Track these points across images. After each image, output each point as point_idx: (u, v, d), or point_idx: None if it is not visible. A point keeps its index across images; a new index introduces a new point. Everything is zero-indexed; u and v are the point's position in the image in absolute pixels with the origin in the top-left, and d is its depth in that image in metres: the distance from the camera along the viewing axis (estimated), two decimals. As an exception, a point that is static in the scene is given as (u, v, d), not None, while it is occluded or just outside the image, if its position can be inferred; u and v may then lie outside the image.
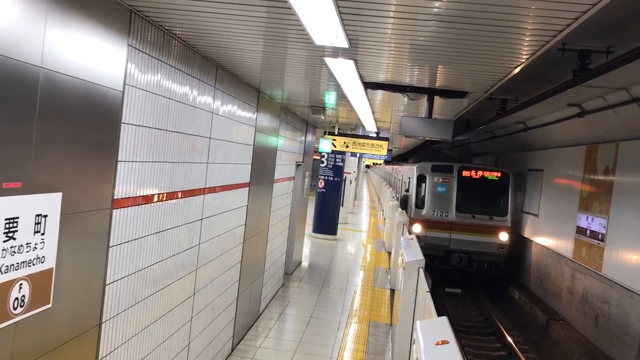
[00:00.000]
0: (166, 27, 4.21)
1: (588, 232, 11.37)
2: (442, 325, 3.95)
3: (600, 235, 10.78)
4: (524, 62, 4.35)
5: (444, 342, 3.57)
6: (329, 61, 4.53)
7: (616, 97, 9.22)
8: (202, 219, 5.49)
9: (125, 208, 3.88)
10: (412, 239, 8.18)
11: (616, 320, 10.00)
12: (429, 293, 5.35)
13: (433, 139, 6.06)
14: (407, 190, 17.51)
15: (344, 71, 4.88)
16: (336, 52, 4.27)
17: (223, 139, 5.92)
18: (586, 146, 11.97)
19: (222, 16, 3.71)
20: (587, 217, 11.50)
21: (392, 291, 10.97)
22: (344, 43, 3.77)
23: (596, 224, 11.02)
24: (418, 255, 6.78)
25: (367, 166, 68.38)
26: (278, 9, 3.33)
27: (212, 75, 5.42)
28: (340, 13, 3.08)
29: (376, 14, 3.22)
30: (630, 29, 5.73)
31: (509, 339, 12.11)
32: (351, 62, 4.45)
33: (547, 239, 14.26)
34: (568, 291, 12.49)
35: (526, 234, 16.06)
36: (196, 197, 5.26)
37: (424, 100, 6.50)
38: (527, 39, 3.68)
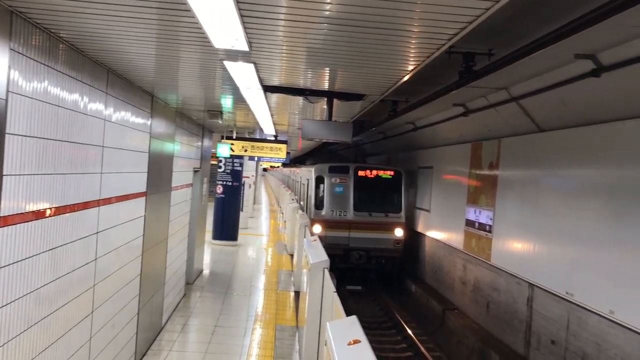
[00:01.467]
0: (52, 30, 3.95)
1: (476, 224, 12.07)
2: (352, 325, 4.01)
3: (487, 227, 11.47)
4: (417, 66, 4.52)
5: (356, 342, 3.62)
6: (228, 64, 4.46)
7: (497, 97, 9.86)
8: (97, 232, 5.21)
9: (13, 225, 3.59)
10: (315, 240, 8.26)
11: (505, 306, 10.68)
12: (336, 293, 5.41)
13: (333, 141, 6.16)
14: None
15: (244, 75, 4.82)
16: (236, 55, 4.21)
17: (117, 147, 5.65)
18: (471, 143, 12.70)
19: (110, 18, 3.53)
20: (475, 210, 12.20)
21: (297, 293, 11.01)
22: (244, 46, 3.72)
23: (483, 217, 11.71)
24: (322, 256, 6.85)
25: (265, 169, 68.24)
26: (174, 11, 3.21)
27: (104, 81, 5.16)
28: (241, 15, 3.03)
29: (276, 16, 3.21)
30: (510, 33, 6.15)
31: (409, 331, 12.58)
32: (251, 65, 4.41)
33: (439, 232, 14.97)
34: (461, 281, 13.19)
35: (420, 228, 16.76)
36: (91, 210, 4.98)
37: (321, 103, 6.58)
38: (418, 44, 3.84)
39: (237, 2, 2.78)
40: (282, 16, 3.21)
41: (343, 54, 4.10)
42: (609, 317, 7.31)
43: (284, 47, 3.97)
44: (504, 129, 10.81)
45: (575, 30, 4.66)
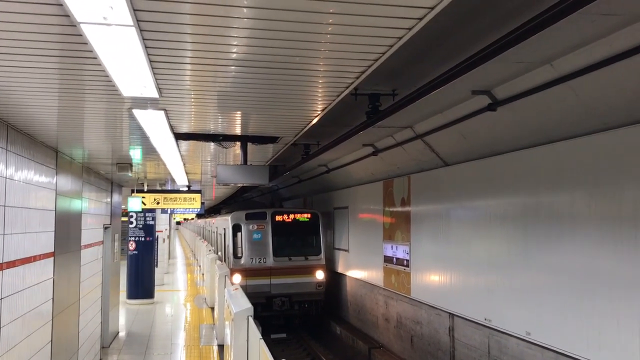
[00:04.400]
0: (-57, 85, 3.72)
1: (394, 259, 12.32)
2: (282, 368, 3.93)
3: (405, 262, 11.74)
4: (327, 107, 4.64)
5: (287, 385, 3.55)
6: (138, 113, 4.36)
7: (403, 135, 10.26)
8: (1, 298, 4.83)
9: None
10: (236, 289, 8.10)
11: (428, 338, 10.87)
12: (262, 340, 5.31)
13: (250, 184, 6.13)
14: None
15: (154, 123, 4.74)
16: (145, 103, 4.13)
17: (20, 206, 5.33)
18: (383, 181, 13.07)
19: (6, 69, 3.36)
20: (392, 246, 12.47)
21: (221, 347, 10.66)
22: (154, 93, 3.67)
23: (400, 251, 11.98)
24: (245, 305, 6.73)
25: (178, 223, 66.50)
26: (79, 59, 3.11)
27: (3, 137, 4.90)
28: (150, 60, 3.00)
29: (184, 60, 3.19)
30: (411, 73, 6.48)
31: (338, 374, 12.47)
32: (161, 112, 4.34)
33: (359, 271, 15.12)
34: (384, 318, 13.31)
35: (340, 269, 16.86)
36: (-7, 275, 4.63)
37: (234, 148, 6.57)
38: (325, 85, 3.96)
39: (146, 47, 2.76)
40: (189, 60, 3.20)
41: (254, 96, 4.15)
42: (526, 339, 7.62)
43: (194, 92, 3.96)
44: (412, 166, 11.23)
45: (468, 67, 4.96)
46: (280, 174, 13.87)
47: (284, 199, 25.18)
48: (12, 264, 5.07)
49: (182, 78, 3.54)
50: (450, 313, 9.87)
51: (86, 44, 2.68)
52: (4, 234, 4.86)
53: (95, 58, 2.92)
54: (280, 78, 3.69)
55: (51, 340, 6.50)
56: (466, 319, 9.29)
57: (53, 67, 3.33)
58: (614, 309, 6.05)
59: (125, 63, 2.96)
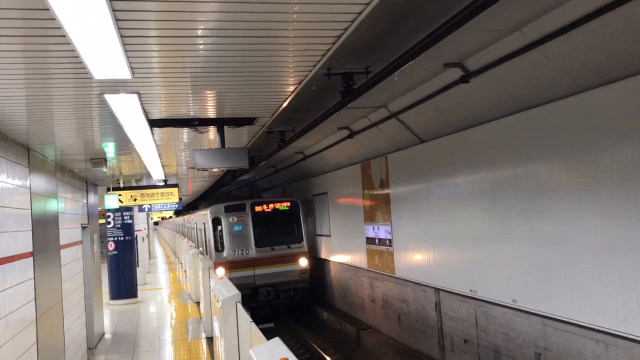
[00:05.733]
0: None
1: (377, 240, 12.36)
2: (277, 346, 3.91)
3: (388, 241, 11.78)
4: (301, 82, 4.60)
5: (283, 360, 3.53)
6: (110, 98, 4.25)
7: (378, 115, 10.27)
8: (-18, 299, 4.72)
9: None
10: (221, 277, 8.04)
11: (415, 315, 10.95)
12: (253, 322, 5.27)
13: (229, 168, 6.06)
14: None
15: (127, 108, 4.63)
16: (117, 86, 4.03)
17: (-6, 205, 5.20)
18: (360, 164, 13.09)
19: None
20: (374, 227, 12.50)
21: (209, 339, 10.60)
22: (126, 74, 3.57)
23: (382, 232, 12.02)
24: (232, 291, 6.68)
25: (156, 223, 65.85)
26: (46, 37, 2.98)
27: (-29, 135, 4.76)
28: (121, 36, 2.91)
29: (157, 35, 3.11)
30: (383, 49, 6.46)
31: (328, 358, 12.51)
32: (134, 96, 4.25)
33: (342, 255, 15.16)
34: (370, 299, 13.38)
35: (323, 255, 16.88)
36: (-28, 275, 4.51)
37: (210, 133, 6.48)
38: (297, 59, 3.94)
39: (116, 20, 2.68)
40: (160, 36, 3.13)
41: (226, 73, 4.09)
42: (512, 306, 7.71)
43: (167, 71, 3.87)
44: (389, 146, 11.25)
45: (439, 37, 4.94)
46: (257, 164, 13.80)
47: (262, 190, 25.09)
48: (-10, 264, 4.94)
49: (153, 55, 3.46)
50: (436, 288, 9.95)
51: (54, 19, 2.59)
52: (-20, 233, 4.74)
53: (65, 36, 2.83)
54: (250, 52, 3.66)
55: (36, 342, 6.38)
56: (452, 293, 9.37)
57: (19, 50, 3.20)
58: (597, 269, 6.15)
59: (96, 41, 2.87)
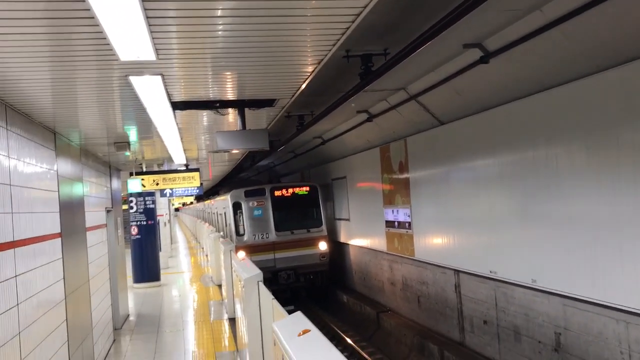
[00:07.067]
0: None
1: (396, 223, 12.42)
2: (299, 319, 4.02)
3: (407, 224, 11.84)
4: (320, 63, 4.65)
5: (306, 332, 3.63)
6: (134, 80, 4.35)
7: (397, 98, 10.28)
8: (16, 276, 4.89)
9: None
10: (243, 259, 8.18)
11: (435, 297, 11.02)
12: (275, 300, 5.39)
13: (250, 149, 6.16)
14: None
15: (151, 90, 4.73)
16: (142, 68, 4.13)
17: (25, 185, 5.36)
18: (379, 147, 13.11)
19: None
20: (393, 210, 12.56)
21: (232, 320, 10.79)
22: (151, 55, 3.67)
23: (402, 215, 12.07)
24: (254, 271, 6.82)
25: (177, 209, 66.57)
26: (74, 20, 3.05)
27: (2, 117, 4.91)
28: (147, 17, 3.00)
29: (178, 14, 3.16)
30: (402, 30, 6.48)
31: (348, 340, 12.67)
32: (158, 77, 4.34)
33: (361, 239, 15.25)
34: (389, 282, 13.47)
35: (342, 238, 16.99)
36: (6, 252, 4.68)
37: (231, 115, 6.58)
38: (315, 39, 3.98)
39: (143, 1, 2.76)
40: (184, 17, 3.21)
41: (246, 54, 4.15)
42: (532, 286, 7.74)
43: (190, 53, 3.96)
44: (408, 128, 11.26)
45: (458, 17, 4.93)
46: (276, 149, 13.89)
47: (281, 175, 25.23)
48: (23, 243, 5.12)
49: (176, 37, 3.54)
50: (455, 270, 10.00)
51: (83, 1, 2.68)
52: (12, 213, 4.90)
53: (93, 18, 2.92)
54: (269, 32, 3.70)
55: (66, 319, 6.59)
56: (472, 274, 9.41)
57: (44, 32, 3.26)
58: (617, 248, 6.15)
59: (123, 22, 2.95)
